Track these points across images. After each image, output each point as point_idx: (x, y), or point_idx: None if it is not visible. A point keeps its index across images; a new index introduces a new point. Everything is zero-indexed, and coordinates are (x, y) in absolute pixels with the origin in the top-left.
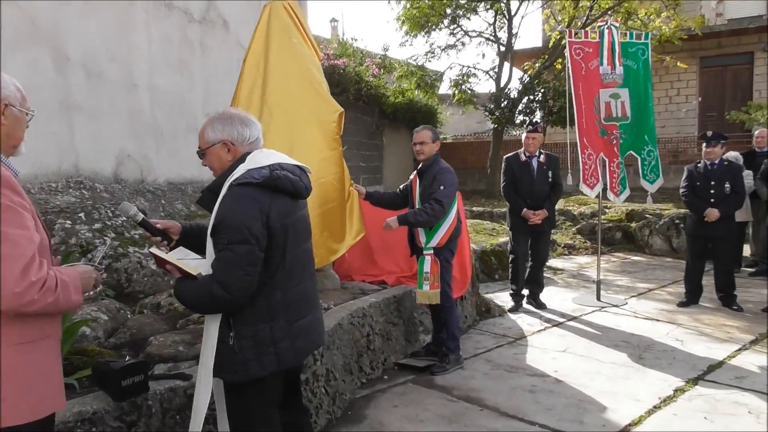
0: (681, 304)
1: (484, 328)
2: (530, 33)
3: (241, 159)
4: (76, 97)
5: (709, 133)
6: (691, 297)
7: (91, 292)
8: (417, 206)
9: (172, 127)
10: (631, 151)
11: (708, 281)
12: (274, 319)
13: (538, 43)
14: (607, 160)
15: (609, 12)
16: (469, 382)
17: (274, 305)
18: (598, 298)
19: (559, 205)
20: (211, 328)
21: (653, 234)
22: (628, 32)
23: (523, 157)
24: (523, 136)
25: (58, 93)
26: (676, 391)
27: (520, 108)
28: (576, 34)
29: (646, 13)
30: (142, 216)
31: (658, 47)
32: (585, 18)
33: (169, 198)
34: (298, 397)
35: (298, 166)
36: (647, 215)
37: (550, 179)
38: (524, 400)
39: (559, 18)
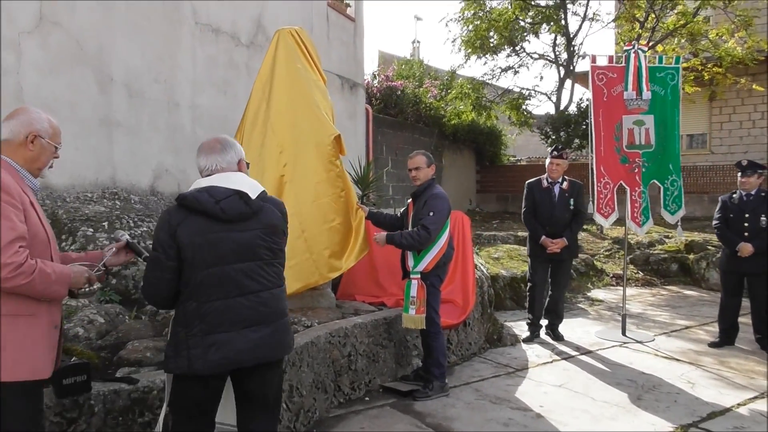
0: (713, 345)
1: (489, 357)
2: (602, 54)
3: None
4: (116, 115)
5: (744, 162)
6: (725, 337)
7: (86, 288)
8: (410, 228)
9: None
10: (655, 180)
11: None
12: (189, 326)
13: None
14: (628, 188)
15: (673, 33)
16: (447, 410)
17: (189, 314)
18: (623, 333)
19: (615, 233)
20: None
21: (710, 267)
22: (657, 56)
23: (545, 183)
24: (547, 161)
25: (100, 110)
26: None
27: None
28: (600, 59)
29: (717, 34)
30: (128, 238)
31: (732, 69)
32: (647, 40)
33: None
34: (253, 401)
35: (236, 191)
36: (709, 246)
37: (571, 206)
38: None
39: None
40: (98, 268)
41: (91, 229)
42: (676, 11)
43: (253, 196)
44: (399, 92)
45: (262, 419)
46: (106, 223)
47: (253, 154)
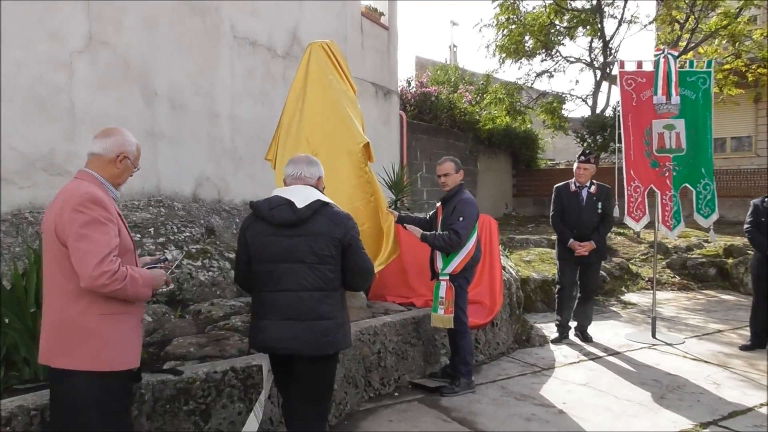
0: (744, 348)
1: (516, 357)
2: (639, 56)
3: None
4: (161, 127)
5: None
6: (756, 341)
7: (164, 289)
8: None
9: (250, 152)
10: (686, 184)
11: None
12: (253, 309)
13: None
14: (659, 192)
15: (714, 35)
16: (472, 405)
17: (253, 300)
18: (653, 336)
19: (651, 236)
20: None
21: (749, 272)
22: (687, 61)
23: (573, 187)
24: (575, 165)
25: (145, 123)
26: None
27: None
28: (628, 64)
29: (762, 34)
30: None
31: None
32: (687, 42)
33: (243, 217)
34: (307, 397)
35: (288, 201)
36: (749, 251)
37: (599, 210)
38: (516, 427)
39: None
40: (171, 271)
41: (139, 235)
42: (717, 12)
43: (300, 206)
44: (433, 98)
45: (305, 409)
46: (152, 229)
47: (286, 162)
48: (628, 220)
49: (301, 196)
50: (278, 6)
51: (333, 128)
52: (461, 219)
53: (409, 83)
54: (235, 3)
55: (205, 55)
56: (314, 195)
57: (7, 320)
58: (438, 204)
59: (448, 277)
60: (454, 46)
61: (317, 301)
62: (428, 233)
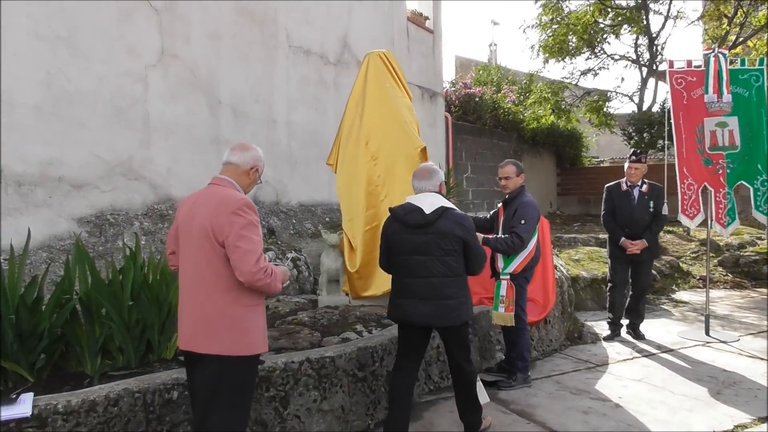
0: None
1: (569, 353)
2: (686, 51)
3: None
4: (224, 133)
5: None
6: None
7: (287, 284)
8: (500, 233)
9: (305, 156)
10: (743, 181)
11: None
12: (393, 290)
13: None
14: (712, 190)
15: (764, 29)
16: (529, 398)
17: (393, 283)
18: (707, 333)
19: (701, 234)
20: None
21: None
22: (739, 59)
23: (624, 187)
24: (626, 165)
25: (211, 131)
26: (736, 426)
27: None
28: (677, 63)
29: None
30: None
31: None
32: (736, 37)
33: (300, 218)
34: (453, 364)
35: (418, 208)
36: None
37: (651, 209)
38: (573, 419)
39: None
40: (290, 267)
41: None
42: (767, 5)
43: (428, 211)
44: (477, 99)
45: (456, 367)
46: None
47: (348, 164)
48: (682, 218)
49: (428, 203)
50: (329, 14)
51: (391, 133)
52: (523, 222)
53: (453, 84)
54: (291, 13)
55: (264, 64)
56: (438, 201)
57: (104, 311)
58: (499, 204)
59: (509, 277)
60: (494, 44)
61: (444, 285)
62: (490, 237)
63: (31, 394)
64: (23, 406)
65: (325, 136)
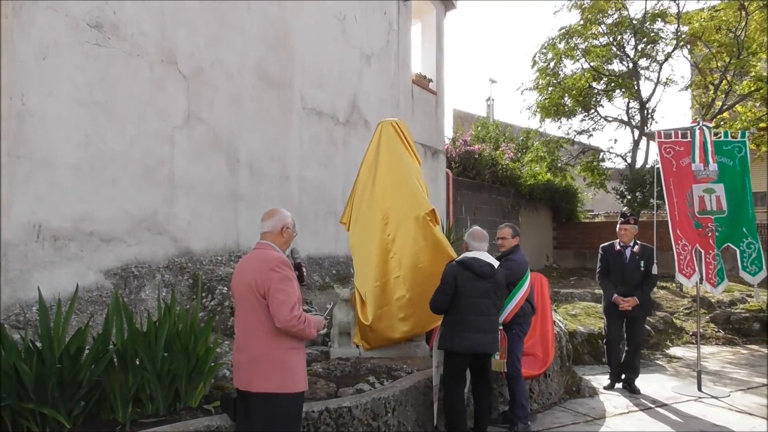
0: None
1: (569, 406)
2: (676, 114)
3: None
4: (241, 190)
5: None
6: None
7: (322, 331)
8: None
9: (315, 210)
10: (729, 244)
11: None
12: (454, 326)
13: (685, 125)
14: (702, 251)
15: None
16: None
17: (456, 320)
18: (699, 389)
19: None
20: None
21: None
22: (722, 131)
23: (618, 247)
24: (618, 227)
25: (229, 187)
26: None
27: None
28: (665, 134)
29: None
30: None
31: None
32: (722, 103)
33: (309, 271)
34: (484, 381)
35: (488, 263)
36: None
37: (642, 268)
38: None
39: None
40: (325, 317)
41: (225, 288)
42: (751, 75)
43: (495, 266)
44: (476, 156)
45: (485, 383)
46: None
47: (361, 224)
48: (680, 277)
49: (489, 259)
50: (341, 77)
51: (402, 196)
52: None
53: (453, 142)
54: (306, 76)
55: (280, 125)
56: (492, 259)
57: (138, 361)
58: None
59: (501, 327)
60: (492, 99)
61: (495, 322)
62: None
63: None
64: None
65: (333, 191)
